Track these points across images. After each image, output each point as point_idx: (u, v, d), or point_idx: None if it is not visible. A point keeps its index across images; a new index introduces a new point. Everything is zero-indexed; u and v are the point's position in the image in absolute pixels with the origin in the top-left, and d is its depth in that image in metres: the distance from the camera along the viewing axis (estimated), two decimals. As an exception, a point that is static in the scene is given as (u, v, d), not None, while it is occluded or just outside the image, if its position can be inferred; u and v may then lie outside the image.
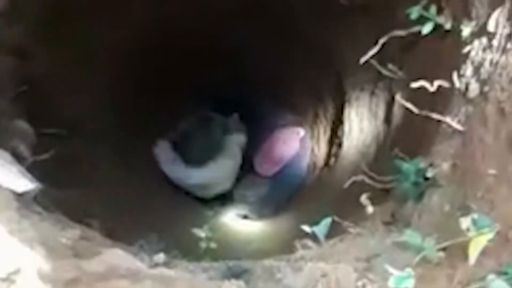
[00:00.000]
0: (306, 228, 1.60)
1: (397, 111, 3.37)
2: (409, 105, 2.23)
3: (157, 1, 4.46)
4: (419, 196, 2.07)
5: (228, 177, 5.57)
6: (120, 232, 2.56)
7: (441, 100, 2.30)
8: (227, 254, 2.46)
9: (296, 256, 2.06)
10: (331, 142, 5.20)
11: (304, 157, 5.77)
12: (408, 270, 1.40)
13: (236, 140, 5.69)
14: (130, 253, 1.89)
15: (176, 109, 5.41)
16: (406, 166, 2.03)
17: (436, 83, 2.27)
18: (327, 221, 1.59)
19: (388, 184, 2.50)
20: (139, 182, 4.25)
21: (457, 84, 2.12)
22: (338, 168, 4.64)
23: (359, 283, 1.61)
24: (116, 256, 1.79)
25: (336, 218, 2.28)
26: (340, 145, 4.72)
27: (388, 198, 2.45)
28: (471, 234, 1.40)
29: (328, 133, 5.37)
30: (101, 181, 3.44)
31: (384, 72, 3.03)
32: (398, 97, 2.35)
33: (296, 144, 5.71)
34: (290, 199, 5.69)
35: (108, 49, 4.09)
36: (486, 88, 1.84)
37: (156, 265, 1.88)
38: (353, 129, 4.37)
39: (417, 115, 2.35)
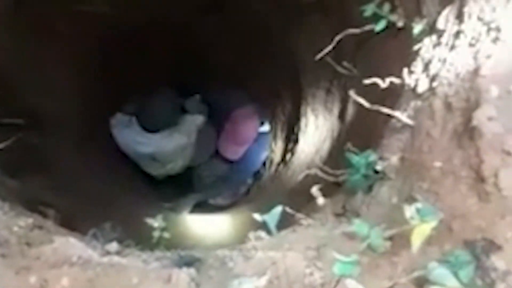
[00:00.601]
0: (257, 216, 1.61)
1: (350, 108, 3.43)
2: (360, 100, 2.28)
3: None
4: (369, 189, 2.12)
5: (180, 155, 5.53)
6: (74, 221, 2.55)
7: (392, 95, 2.35)
8: (181, 245, 2.48)
9: (248, 246, 2.08)
10: (288, 138, 5.25)
11: (264, 141, 5.79)
12: (354, 256, 1.43)
13: (195, 120, 5.64)
14: (83, 242, 1.89)
15: (139, 98, 5.36)
16: (356, 159, 2.07)
17: (388, 80, 2.32)
18: (277, 210, 1.62)
19: (340, 177, 2.54)
20: (97, 171, 4.22)
21: (407, 80, 2.18)
22: (294, 164, 4.70)
23: (307, 271, 1.64)
24: (68, 245, 1.79)
25: (289, 210, 2.32)
26: (296, 141, 4.77)
27: (340, 191, 2.50)
28: (414, 222, 1.44)
29: (286, 129, 5.42)
30: (59, 171, 3.42)
31: (339, 69, 3.07)
32: (350, 92, 2.39)
33: (257, 123, 5.71)
34: (247, 187, 5.73)
35: (69, 38, 4.06)
36: (434, 84, 1.89)
37: (108, 253, 1.89)
38: (309, 125, 4.43)
39: (368, 110, 2.40)
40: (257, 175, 5.90)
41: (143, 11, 4.67)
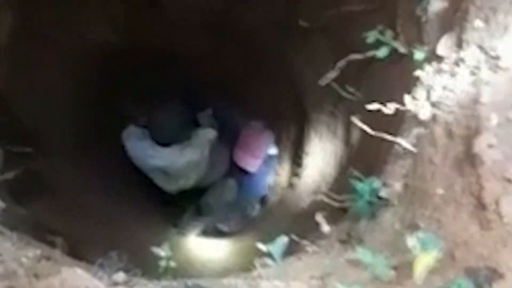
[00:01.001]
0: (262, 246, 1.63)
1: (354, 132, 3.45)
2: (364, 126, 2.29)
3: (122, 11, 4.50)
4: (372, 215, 2.13)
5: (193, 169, 5.46)
6: (82, 249, 2.56)
7: (395, 122, 2.37)
8: (187, 273, 2.49)
9: (253, 274, 2.09)
10: (294, 161, 5.25)
11: (270, 164, 5.79)
12: (357, 287, 1.44)
13: (207, 134, 5.58)
14: (90, 272, 1.90)
15: (151, 110, 5.36)
16: (360, 185, 2.09)
17: (392, 106, 2.33)
18: (282, 240, 1.63)
19: (345, 203, 2.56)
20: (102, 193, 4.23)
21: (409, 106, 2.19)
22: (300, 188, 4.70)
23: None
24: (75, 276, 1.80)
25: (294, 237, 2.33)
26: (301, 164, 4.78)
27: (345, 217, 2.51)
28: (416, 252, 1.45)
29: (291, 152, 5.43)
30: (64, 195, 3.43)
31: (343, 94, 3.09)
32: (353, 118, 2.41)
33: (270, 137, 5.71)
34: (256, 212, 5.71)
35: (70, 60, 4.10)
36: (436, 111, 1.91)
37: (116, 284, 1.90)
38: (314, 149, 4.44)
39: (372, 136, 2.42)
40: (264, 199, 5.89)
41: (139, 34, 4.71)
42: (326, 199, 2.69)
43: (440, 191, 1.74)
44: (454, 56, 1.95)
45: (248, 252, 4.10)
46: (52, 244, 2.32)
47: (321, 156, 4.23)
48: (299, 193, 4.68)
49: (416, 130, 2.05)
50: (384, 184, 2.12)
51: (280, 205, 5.14)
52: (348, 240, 2.22)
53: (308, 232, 2.80)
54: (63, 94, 4.11)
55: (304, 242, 2.40)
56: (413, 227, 1.76)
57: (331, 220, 2.50)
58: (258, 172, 5.78)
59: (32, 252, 1.98)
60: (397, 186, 2.02)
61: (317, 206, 2.81)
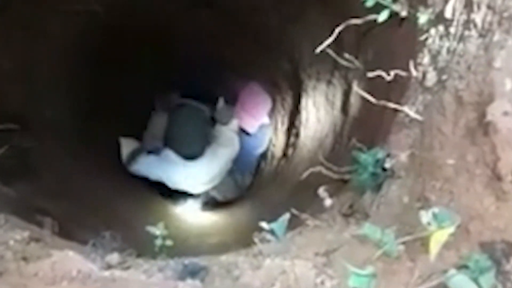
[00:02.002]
0: (264, 225, 1.53)
1: (354, 101, 3.35)
2: (366, 95, 2.20)
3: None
4: (377, 187, 2.04)
5: (228, 165, 5.42)
6: (72, 229, 2.48)
7: (397, 89, 2.27)
8: (184, 251, 2.40)
9: (254, 251, 2.01)
10: (289, 132, 5.17)
11: (264, 132, 5.70)
12: (370, 268, 1.35)
13: (231, 128, 5.52)
14: (82, 254, 1.81)
15: (132, 96, 5.24)
16: (364, 157, 1.99)
17: (393, 72, 2.24)
18: (285, 217, 1.53)
19: (345, 175, 2.47)
20: (93, 174, 4.12)
21: (413, 73, 2.09)
22: (296, 159, 4.62)
23: (318, 280, 1.56)
24: (67, 258, 1.71)
25: (294, 211, 2.24)
26: (297, 135, 4.69)
27: (346, 189, 2.42)
28: (431, 228, 1.36)
29: (286, 123, 5.35)
30: (53, 175, 3.33)
31: (341, 61, 2.99)
32: (355, 87, 2.31)
33: (268, 98, 5.63)
34: (250, 180, 5.63)
35: (60, 39, 3.96)
36: (444, 77, 1.81)
37: (109, 266, 1.81)
38: (310, 119, 4.35)
39: (373, 104, 2.32)
40: (258, 169, 5.82)
41: (135, 10, 4.55)
42: (324, 171, 2.60)
43: (450, 161, 1.64)
44: (463, 18, 1.83)
45: (246, 225, 4.03)
46: (41, 225, 2.22)
47: (317, 126, 4.15)
48: (294, 164, 4.60)
49: (422, 97, 1.95)
50: (389, 155, 2.03)
51: (275, 176, 5.06)
52: (351, 214, 2.13)
53: (307, 204, 2.71)
54: (53, 72, 3.97)
55: (304, 215, 2.31)
56: (424, 200, 1.67)
57: (331, 193, 2.41)
58: (252, 140, 5.69)
59: (20, 234, 1.89)
60: (403, 156, 1.92)
61: (315, 177, 2.71)
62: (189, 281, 1.63)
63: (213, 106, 5.74)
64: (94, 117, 4.51)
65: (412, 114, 1.92)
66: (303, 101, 4.49)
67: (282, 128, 5.48)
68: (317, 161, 3.50)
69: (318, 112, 4.16)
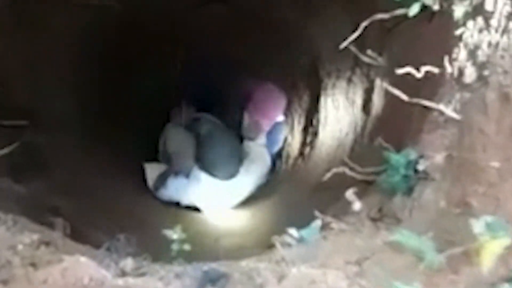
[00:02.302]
0: (294, 232, 1.40)
1: (376, 99, 3.23)
2: (397, 92, 2.07)
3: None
4: (409, 190, 1.91)
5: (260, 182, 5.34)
6: (85, 231, 2.36)
7: (428, 87, 2.14)
8: (201, 254, 2.27)
9: (276, 257, 1.87)
10: (305, 131, 5.04)
11: (278, 131, 5.58)
12: (416, 284, 1.22)
13: (261, 142, 5.46)
14: (95, 259, 1.69)
15: (143, 97, 5.12)
16: (395, 158, 1.86)
17: (424, 68, 2.12)
18: (316, 224, 1.41)
19: (370, 176, 2.35)
20: (106, 172, 4.01)
21: (448, 69, 1.96)
22: (313, 158, 4.49)
23: None
24: (78, 264, 1.59)
25: (317, 214, 2.13)
26: (315, 134, 4.56)
27: (371, 191, 2.29)
28: (483, 239, 1.23)
29: (303, 122, 5.21)
30: (64, 173, 3.21)
31: (363, 58, 2.87)
32: (383, 84, 2.17)
33: (283, 97, 5.45)
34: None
35: (66, 34, 3.84)
36: (485, 72, 1.67)
37: (124, 273, 1.68)
38: (329, 118, 4.22)
39: (399, 103, 2.20)
40: (274, 168, 5.69)
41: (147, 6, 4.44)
42: (348, 172, 2.48)
43: (495, 164, 1.51)
44: (505, 10, 1.70)
45: (263, 227, 3.92)
46: (52, 226, 2.09)
47: (336, 126, 4.01)
48: (312, 164, 4.47)
49: (460, 95, 1.82)
50: (421, 156, 1.90)
51: (293, 176, 4.92)
52: (380, 218, 2.00)
53: (327, 206, 2.59)
54: (62, 67, 3.86)
55: (328, 218, 2.18)
56: (464, 206, 1.54)
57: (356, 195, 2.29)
58: (266, 138, 5.58)
59: (29, 237, 1.77)
60: (439, 158, 1.79)
61: (335, 178, 2.59)
62: (210, 289, 1.51)
63: (231, 115, 5.62)
64: (105, 115, 4.40)
65: (449, 112, 1.79)
66: (322, 100, 4.35)
67: (298, 127, 5.34)
68: (336, 161, 3.39)
69: (337, 111, 4.03)
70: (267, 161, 5.37)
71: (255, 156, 5.33)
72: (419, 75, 2.13)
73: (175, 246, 1.91)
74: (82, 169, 3.56)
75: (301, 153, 5.03)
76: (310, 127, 4.86)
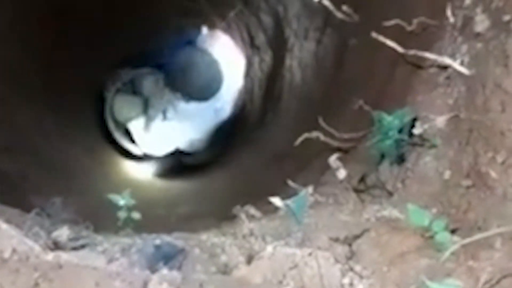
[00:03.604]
0: (277, 201, 1.09)
1: (349, 61, 2.97)
2: (392, 44, 1.78)
3: None
4: (399, 158, 1.64)
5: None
6: (15, 191, 2.02)
7: (420, 41, 1.86)
8: (153, 224, 1.95)
9: (243, 231, 1.57)
10: (267, 97, 4.74)
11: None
12: (453, 282, 0.92)
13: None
14: (22, 227, 1.36)
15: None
16: (388, 119, 1.57)
17: (416, 20, 1.85)
18: (304, 193, 1.10)
19: (347, 143, 2.08)
20: (55, 132, 3.67)
21: (450, 19, 1.68)
22: (275, 126, 4.20)
23: (346, 280, 1.14)
24: (2, 234, 1.26)
25: (292, 184, 1.86)
26: (278, 99, 4.26)
27: (348, 160, 2.01)
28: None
29: (264, 86, 4.92)
30: (6, 130, 2.85)
31: (337, 14, 2.59)
32: (376, 35, 1.87)
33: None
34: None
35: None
36: (506, 17, 1.39)
37: (56, 245, 1.35)
38: (295, 82, 3.93)
39: (381, 64, 1.94)
40: (231, 136, 5.45)
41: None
42: (323, 137, 2.19)
43: (517, 127, 1.23)
44: None
45: (219, 193, 3.66)
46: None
47: (303, 90, 3.73)
48: (273, 132, 4.19)
49: (467, 47, 1.54)
50: (415, 119, 1.63)
51: (251, 144, 4.64)
52: (364, 190, 1.72)
53: (294, 176, 2.31)
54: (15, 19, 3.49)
55: (301, 188, 1.89)
56: (477, 177, 1.26)
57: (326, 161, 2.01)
58: None
59: None
60: (440, 121, 1.51)
61: (300, 147, 2.31)
62: (164, 270, 1.20)
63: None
64: (56, 70, 4.03)
65: (456, 66, 1.50)
66: (287, 62, 4.05)
67: (259, 92, 5.04)
68: (303, 127, 3.09)
69: (304, 74, 3.74)
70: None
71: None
72: (410, 28, 1.86)
73: (122, 214, 1.59)
74: (24, 126, 3.20)
75: (261, 120, 4.74)
76: (272, 92, 4.55)
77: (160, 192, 4.29)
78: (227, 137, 5.51)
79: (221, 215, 2.28)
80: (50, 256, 1.20)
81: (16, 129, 3.04)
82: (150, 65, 5.50)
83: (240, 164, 4.30)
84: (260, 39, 4.82)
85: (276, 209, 1.95)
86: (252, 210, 1.98)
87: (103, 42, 4.63)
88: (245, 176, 3.80)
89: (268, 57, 4.78)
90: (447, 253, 1.04)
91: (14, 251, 1.20)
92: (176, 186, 4.55)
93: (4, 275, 1.11)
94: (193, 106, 5.46)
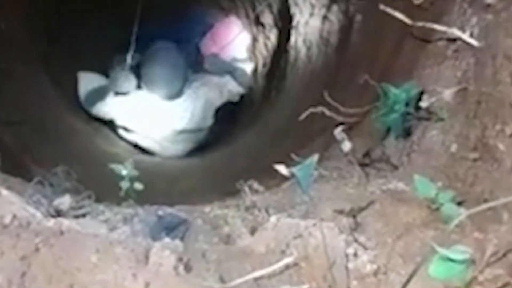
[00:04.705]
0: (282, 169, 1.07)
1: (355, 37, 2.94)
2: (400, 16, 1.75)
3: None
4: (405, 132, 1.62)
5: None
6: (17, 160, 2.01)
7: (428, 14, 1.84)
8: (155, 195, 1.94)
9: (246, 202, 1.56)
10: (271, 75, 4.71)
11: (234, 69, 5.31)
12: (461, 250, 0.91)
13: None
14: (23, 195, 1.35)
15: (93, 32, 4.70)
16: (395, 92, 1.55)
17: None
18: (312, 159, 1.08)
19: (351, 118, 2.05)
20: (55, 103, 3.66)
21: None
22: (279, 104, 4.17)
23: (350, 250, 1.13)
24: (2, 200, 1.25)
25: (295, 157, 1.82)
26: (283, 77, 4.23)
27: (353, 135, 1.99)
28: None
29: (268, 64, 4.89)
30: (12, 98, 2.84)
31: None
32: (383, 6, 1.84)
33: (236, 29, 5.22)
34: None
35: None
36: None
37: (58, 212, 1.34)
38: (300, 58, 3.90)
39: (388, 39, 1.91)
40: (234, 115, 5.40)
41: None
42: (328, 112, 2.17)
43: (527, 99, 1.21)
44: None
45: (222, 169, 3.65)
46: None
47: (308, 66, 3.71)
48: (278, 110, 4.16)
49: (477, 19, 1.51)
50: (422, 92, 1.60)
51: (257, 121, 4.61)
52: (369, 163, 1.70)
53: (298, 151, 2.30)
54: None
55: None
56: (484, 150, 1.24)
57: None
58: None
59: None
60: (447, 94, 1.49)
61: (303, 124, 2.29)
62: (166, 239, 1.19)
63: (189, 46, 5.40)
64: (56, 43, 4.00)
65: (466, 38, 1.48)
66: (292, 39, 4.02)
67: (263, 69, 5.01)
68: (307, 103, 3.07)
69: (309, 51, 3.71)
70: (224, 94, 5.09)
71: (208, 83, 5.10)
72: (418, 1, 1.84)
73: (124, 184, 1.57)
74: (29, 96, 3.18)
75: (265, 98, 4.71)
76: (277, 70, 4.53)
77: (165, 168, 4.27)
78: (231, 115, 5.48)
79: (224, 190, 2.26)
80: (51, 222, 1.19)
81: (19, 102, 3.03)
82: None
83: (244, 141, 4.28)
84: (266, 17, 4.78)
85: (279, 183, 1.95)
86: (255, 185, 1.95)
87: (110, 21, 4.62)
88: (249, 152, 3.78)
89: (273, 35, 4.75)
90: (453, 223, 1.02)
91: (14, 217, 1.19)
92: (179, 162, 4.54)
93: (4, 240, 1.10)
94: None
